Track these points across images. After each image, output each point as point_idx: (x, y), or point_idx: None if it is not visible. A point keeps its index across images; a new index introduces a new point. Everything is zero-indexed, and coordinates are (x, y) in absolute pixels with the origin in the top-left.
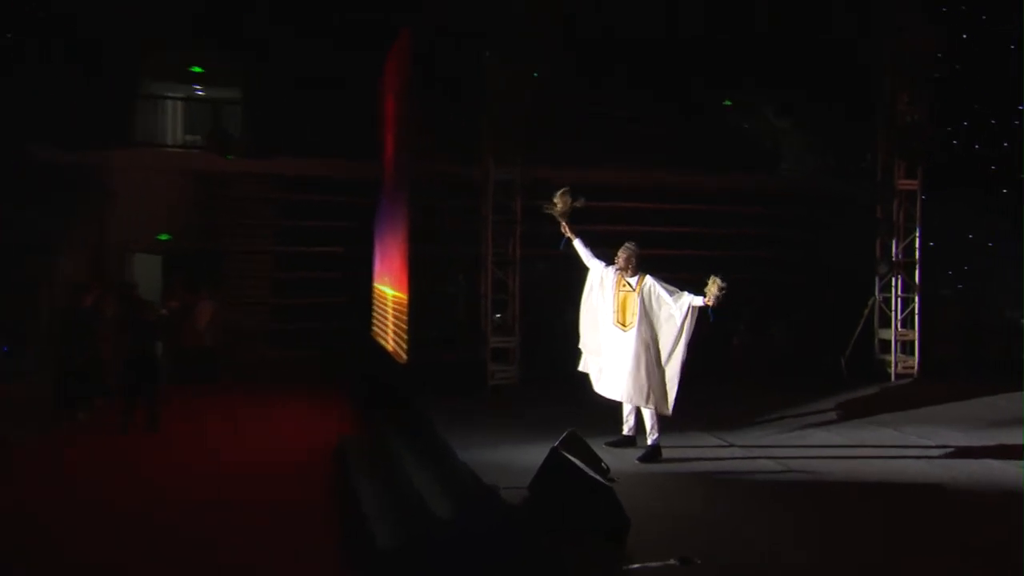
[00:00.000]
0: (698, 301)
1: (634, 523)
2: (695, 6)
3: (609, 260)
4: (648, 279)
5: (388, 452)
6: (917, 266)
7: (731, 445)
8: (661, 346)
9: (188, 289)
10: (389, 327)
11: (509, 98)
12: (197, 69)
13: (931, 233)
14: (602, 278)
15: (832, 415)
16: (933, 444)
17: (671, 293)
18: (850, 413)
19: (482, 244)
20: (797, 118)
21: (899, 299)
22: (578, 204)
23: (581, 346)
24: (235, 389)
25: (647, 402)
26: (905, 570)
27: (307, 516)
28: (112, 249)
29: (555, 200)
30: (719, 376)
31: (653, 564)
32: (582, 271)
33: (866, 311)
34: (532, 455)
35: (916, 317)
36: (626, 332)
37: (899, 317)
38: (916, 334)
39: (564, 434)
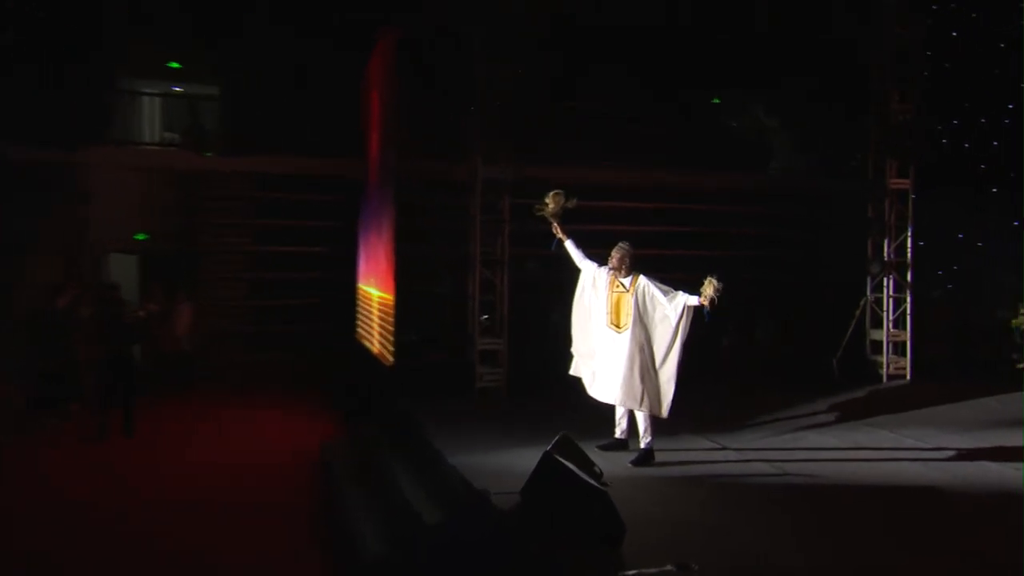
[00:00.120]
0: (693, 301)
1: (629, 528)
2: (687, 5)
3: (601, 261)
4: (642, 279)
5: (374, 457)
6: (909, 266)
7: (724, 448)
8: (656, 348)
9: (167, 292)
10: (374, 329)
11: (497, 95)
12: (175, 65)
13: (921, 233)
14: (595, 279)
15: (825, 417)
16: (928, 446)
17: (665, 293)
18: (843, 415)
19: (470, 244)
20: (787, 117)
21: (891, 299)
22: (570, 205)
23: (573, 350)
24: (214, 393)
25: (641, 405)
26: (904, 572)
27: (291, 522)
28: (88, 249)
29: (546, 200)
30: (709, 377)
31: (650, 570)
32: (572, 271)
33: (858, 312)
34: (522, 459)
35: (908, 318)
36: (620, 334)
37: (891, 318)
38: (908, 335)
39: (556, 438)
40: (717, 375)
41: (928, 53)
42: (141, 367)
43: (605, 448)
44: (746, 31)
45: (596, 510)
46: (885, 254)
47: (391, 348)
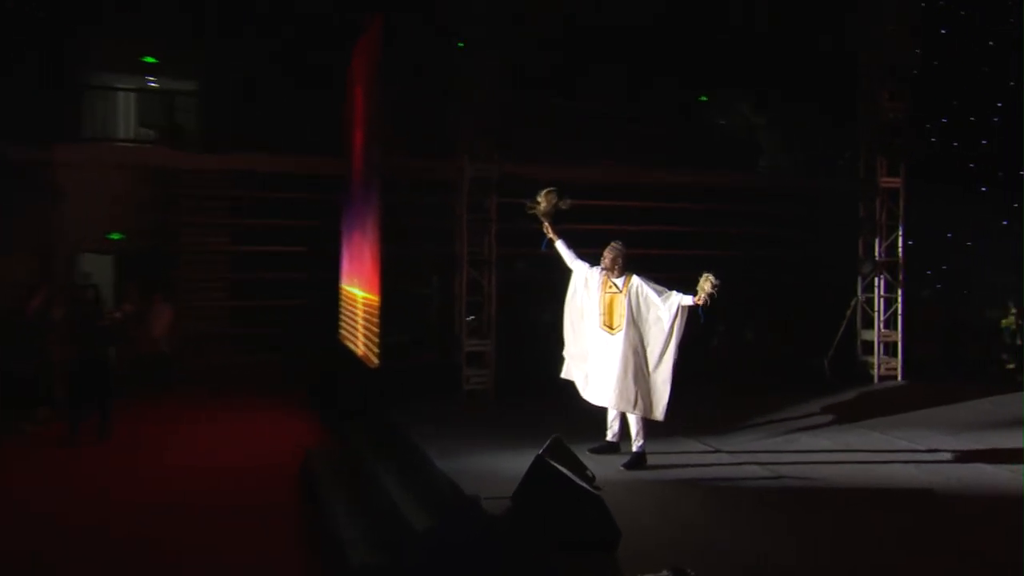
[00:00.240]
0: (687, 300)
1: (624, 533)
2: (679, 4)
3: (593, 261)
4: (635, 279)
5: (359, 461)
6: (900, 266)
7: (717, 451)
8: (650, 349)
9: (143, 293)
10: (359, 330)
11: (484, 91)
12: (150, 59)
13: (910, 231)
14: (587, 279)
15: (818, 419)
16: (922, 448)
17: (659, 293)
18: (835, 417)
19: (456, 243)
20: (777, 115)
21: (882, 299)
22: (563, 206)
23: (565, 352)
24: (192, 397)
25: (634, 408)
26: (903, 572)
27: (273, 528)
28: (61, 249)
29: (539, 199)
30: (699, 378)
31: None
32: (563, 271)
33: (848, 311)
34: (512, 463)
35: (899, 318)
36: (613, 335)
37: (882, 318)
38: (899, 335)
39: (548, 441)
40: (707, 376)
41: (917, 51)
42: (118, 370)
43: (596, 451)
44: (736, 30)
45: (590, 515)
46: (876, 253)
47: (376, 350)
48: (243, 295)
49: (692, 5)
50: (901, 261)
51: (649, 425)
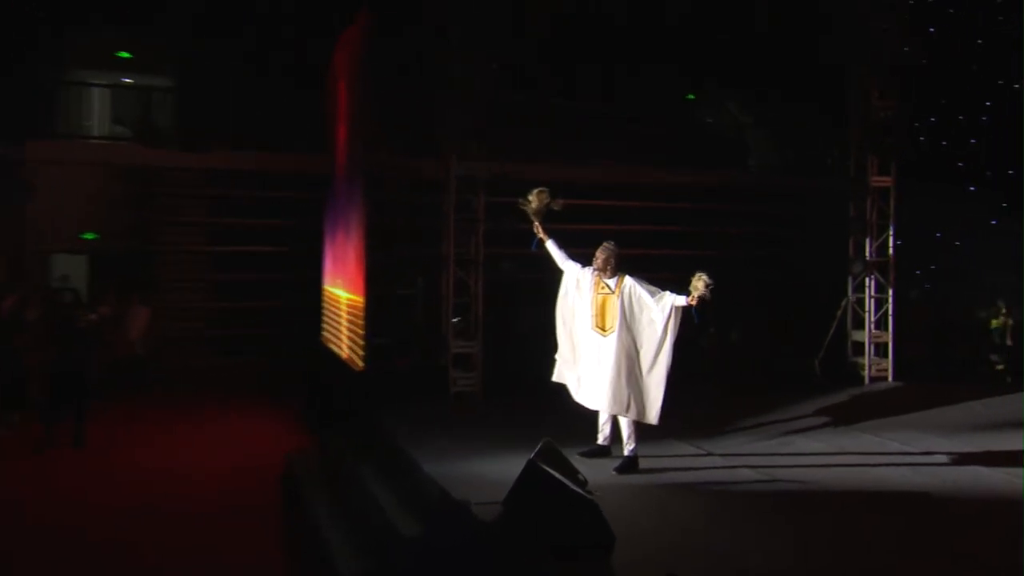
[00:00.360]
0: (681, 301)
1: (618, 538)
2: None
3: (584, 261)
4: (628, 280)
5: (344, 466)
6: (891, 265)
7: (709, 454)
8: (644, 352)
9: (120, 294)
10: (343, 332)
11: (472, 89)
12: (124, 55)
13: (900, 231)
14: (578, 280)
15: (809, 421)
16: (915, 451)
17: (652, 294)
18: (828, 419)
19: (443, 243)
20: (766, 114)
21: (872, 300)
22: (555, 207)
23: (557, 355)
24: (170, 400)
25: (627, 411)
26: (899, 575)
27: (255, 534)
28: (32, 249)
29: (529, 198)
30: (689, 379)
31: None
32: (552, 271)
33: (839, 312)
34: (501, 467)
35: (890, 318)
36: (605, 337)
37: (872, 319)
38: (890, 336)
39: (539, 445)
40: (697, 377)
41: (905, 48)
42: (95, 373)
43: (587, 455)
44: (725, 29)
45: (584, 520)
46: (867, 253)
47: (361, 352)
48: (222, 296)
49: (683, 3)
50: (892, 261)
51: (641, 428)
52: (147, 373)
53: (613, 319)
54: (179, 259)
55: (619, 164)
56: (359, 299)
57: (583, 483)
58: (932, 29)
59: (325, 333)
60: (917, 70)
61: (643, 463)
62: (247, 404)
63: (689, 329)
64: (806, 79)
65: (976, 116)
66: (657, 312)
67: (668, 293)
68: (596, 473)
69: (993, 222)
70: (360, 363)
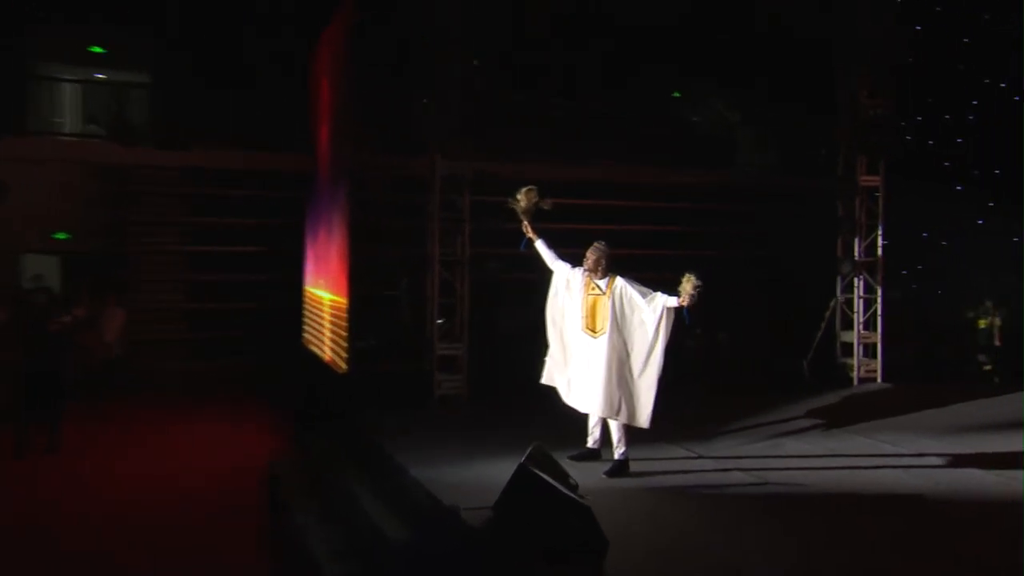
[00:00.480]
0: (672, 302)
1: (611, 542)
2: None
3: (573, 261)
4: (619, 281)
5: (328, 470)
6: (880, 266)
7: (701, 457)
8: (635, 354)
9: (94, 295)
10: (325, 334)
11: (456, 86)
12: (97, 49)
13: (889, 231)
14: (568, 281)
15: (800, 423)
16: (907, 452)
17: (644, 295)
18: (818, 421)
19: (428, 244)
20: (755, 113)
21: (861, 300)
22: (544, 206)
23: (547, 357)
24: (148, 404)
25: (618, 414)
26: None
27: (237, 542)
28: (2, 249)
29: (518, 196)
30: (677, 381)
31: None
32: (540, 271)
33: (828, 313)
34: (489, 471)
35: (879, 319)
36: (596, 339)
37: (861, 319)
38: (879, 336)
39: (530, 448)
40: (685, 378)
41: (895, 47)
42: (71, 376)
43: (577, 458)
44: (714, 27)
45: (577, 524)
46: (856, 253)
47: (344, 354)
48: (200, 297)
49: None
50: (880, 261)
51: (631, 431)
52: (124, 376)
53: (604, 320)
54: (155, 259)
55: (607, 163)
56: (342, 300)
57: (574, 487)
58: (919, 28)
59: (306, 335)
60: (905, 69)
61: (634, 466)
62: (227, 408)
63: (676, 330)
64: (795, 78)
65: (963, 115)
66: (648, 313)
67: (659, 294)
68: (586, 477)
69: (980, 221)
70: (343, 365)
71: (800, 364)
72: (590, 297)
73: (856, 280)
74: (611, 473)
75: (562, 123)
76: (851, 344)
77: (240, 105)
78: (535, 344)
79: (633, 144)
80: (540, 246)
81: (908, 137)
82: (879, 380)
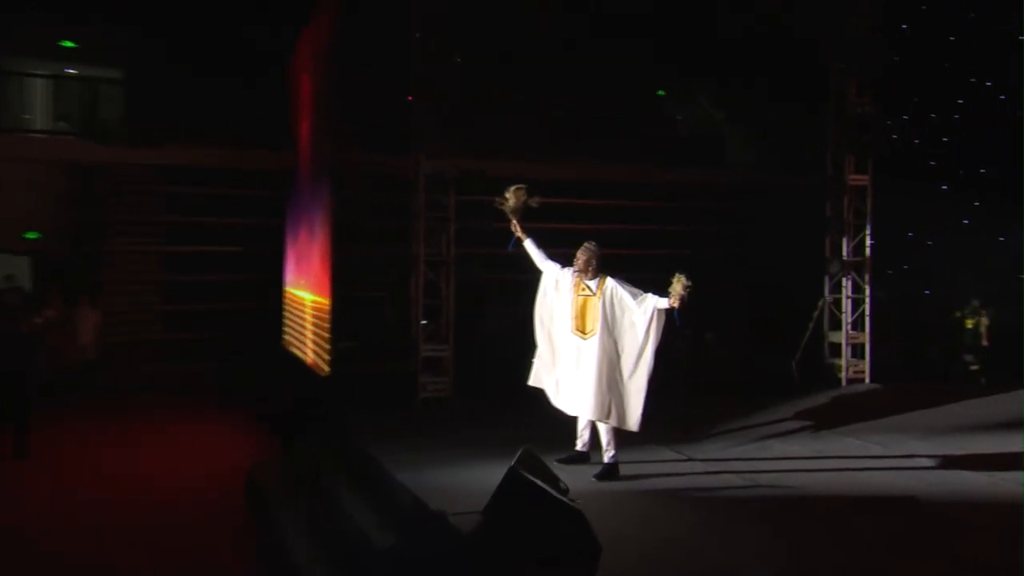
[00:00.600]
0: (663, 303)
1: (603, 547)
2: None
3: (562, 261)
4: (609, 282)
5: (310, 475)
6: (868, 265)
7: (691, 459)
8: (625, 356)
9: (66, 296)
10: (308, 336)
11: (440, 84)
12: (69, 44)
13: (877, 230)
14: (557, 281)
15: (789, 424)
16: (897, 454)
17: (634, 296)
18: (807, 422)
19: (413, 244)
20: (743, 112)
21: (849, 300)
22: (533, 203)
23: (535, 358)
24: (122, 408)
25: (608, 417)
26: None
27: (216, 550)
28: None
29: (507, 195)
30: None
31: None
32: (527, 272)
33: (816, 313)
34: (476, 476)
35: (867, 319)
36: (586, 340)
37: (849, 320)
38: (867, 337)
39: (519, 452)
40: (673, 380)
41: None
42: (43, 379)
43: (565, 462)
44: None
45: (569, 529)
46: (844, 253)
47: (327, 356)
48: (177, 299)
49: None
50: (868, 261)
51: (620, 433)
52: (98, 380)
53: (594, 322)
54: (130, 260)
55: (593, 161)
56: (325, 301)
57: (565, 491)
58: (904, 26)
59: (287, 337)
60: (891, 67)
61: (624, 469)
62: (205, 412)
63: (666, 332)
64: (783, 76)
65: (948, 114)
66: (639, 315)
67: (650, 295)
68: (576, 480)
69: (965, 221)
70: (326, 367)
71: (788, 364)
72: (580, 298)
73: (844, 280)
74: (601, 476)
75: (548, 121)
76: (839, 344)
77: (217, 101)
78: (522, 346)
79: (622, 142)
80: (529, 245)
81: (895, 136)
82: (867, 381)
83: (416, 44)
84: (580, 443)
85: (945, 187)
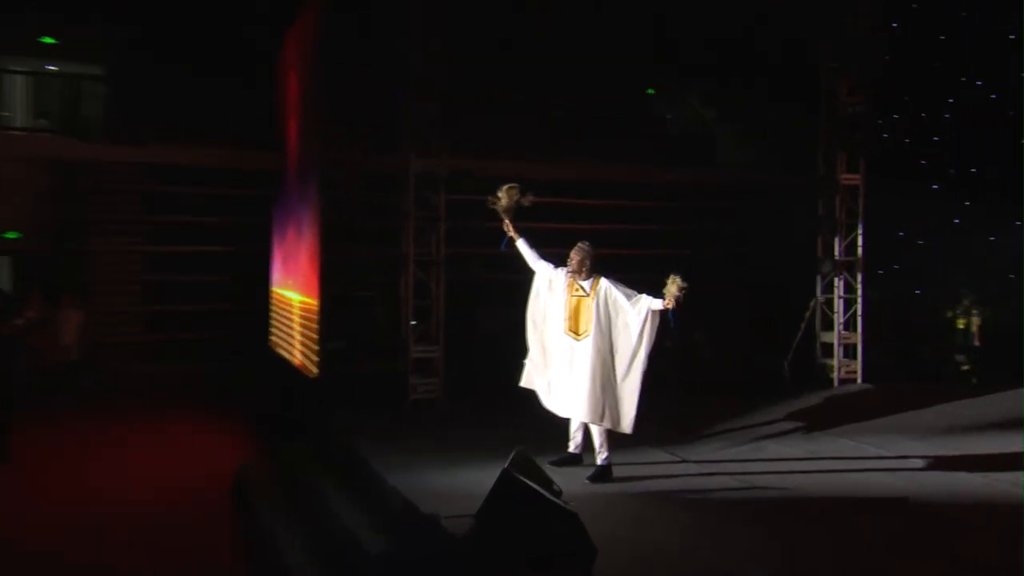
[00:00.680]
0: (657, 304)
1: (598, 550)
2: None
3: (555, 261)
4: (603, 282)
5: (299, 478)
6: (860, 265)
7: (684, 461)
8: (619, 357)
9: (48, 297)
10: (295, 337)
11: (431, 81)
12: (49, 40)
13: (869, 230)
14: (551, 281)
15: (782, 425)
16: (891, 455)
17: (629, 297)
18: (800, 423)
19: (402, 243)
20: (735, 111)
21: (841, 300)
22: (525, 202)
23: (527, 359)
24: (106, 411)
25: (602, 420)
26: None
27: (203, 555)
28: None
29: (499, 194)
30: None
31: None
32: (519, 271)
33: (808, 313)
34: (468, 478)
35: (859, 319)
36: (579, 342)
37: (841, 320)
38: (859, 337)
39: (512, 454)
40: (664, 380)
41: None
42: (23, 381)
43: (558, 464)
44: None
45: (563, 532)
46: (836, 252)
47: (315, 358)
48: (161, 299)
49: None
50: (860, 260)
51: (613, 435)
52: (82, 382)
53: (588, 323)
54: (112, 260)
55: (584, 161)
56: (313, 302)
57: (558, 493)
58: (895, 25)
59: (274, 338)
60: (883, 66)
61: (617, 471)
62: (190, 414)
63: (660, 333)
64: (776, 76)
65: (939, 113)
66: (633, 316)
67: (644, 296)
68: (569, 483)
69: (956, 220)
70: (314, 369)
71: (780, 365)
72: (573, 298)
73: (836, 280)
74: (594, 478)
75: (546, 121)
76: (831, 344)
77: (202, 98)
78: (513, 347)
79: (612, 142)
80: (522, 245)
81: (885, 135)
82: (859, 381)
83: (408, 42)
84: (572, 445)
85: (936, 186)
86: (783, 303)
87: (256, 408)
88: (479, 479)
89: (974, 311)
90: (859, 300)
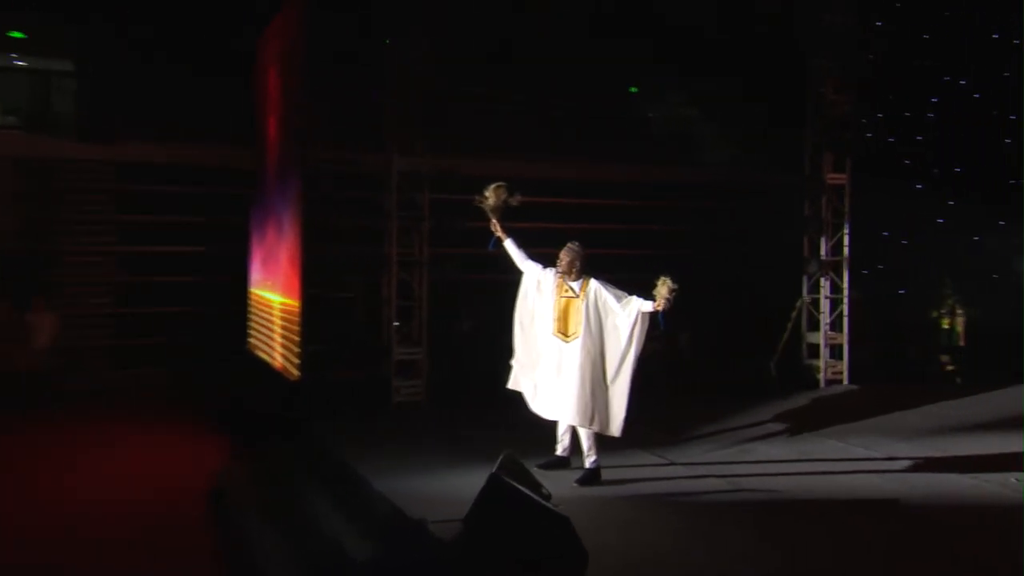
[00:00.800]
0: (647, 306)
1: (589, 554)
2: None
3: (544, 262)
4: (593, 283)
5: (280, 484)
6: (846, 265)
7: (672, 463)
8: (608, 360)
9: (14, 300)
10: (276, 339)
11: (414, 79)
12: (18, 34)
13: (856, 230)
14: (539, 282)
15: (770, 427)
16: (879, 456)
17: (619, 299)
18: (788, 424)
19: (385, 243)
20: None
21: (827, 300)
22: (513, 202)
23: (514, 361)
24: (80, 417)
25: (591, 423)
26: None
27: (182, 564)
28: None
29: (487, 193)
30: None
31: None
32: (505, 272)
33: (794, 313)
34: (454, 482)
35: (845, 320)
36: (568, 343)
37: (828, 320)
38: (845, 337)
39: (501, 457)
40: (651, 381)
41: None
42: None
43: (545, 467)
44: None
45: (554, 536)
46: (822, 252)
47: (297, 360)
48: (133, 301)
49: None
50: (846, 261)
51: (601, 438)
52: (51, 387)
53: (577, 324)
54: (82, 261)
55: (569, 159)
56: (294, 303)
57: (547, 497)
58: (879, 23)
59: (253, 340)
60: (868, 65)
61: (605, 474)
62: (166, 419)
63: (649, 336)
64: (762, 74)
65: (923, 112)
66: (623, 318)
67: (634, 298)
68: (557, 486)
69: (940, 220)
70: (295, 372)
71: (767, 365)
72: (562, 300)
73: (822, 280)
74: (583, 482)
75: (526, 118)
76: (817, 345)
77: (177, 95)
78: (498, 349)
79: (597, 140)
80: (510, 245)
81: (869, 135)
82: (845, 382)
83: (393, 40)
84: (560, 448)
85: (920, 186)
86: (769, 303)
87: (235, 412)
88: (466, 483)
89: (959, 311)
90: (845, 300)
